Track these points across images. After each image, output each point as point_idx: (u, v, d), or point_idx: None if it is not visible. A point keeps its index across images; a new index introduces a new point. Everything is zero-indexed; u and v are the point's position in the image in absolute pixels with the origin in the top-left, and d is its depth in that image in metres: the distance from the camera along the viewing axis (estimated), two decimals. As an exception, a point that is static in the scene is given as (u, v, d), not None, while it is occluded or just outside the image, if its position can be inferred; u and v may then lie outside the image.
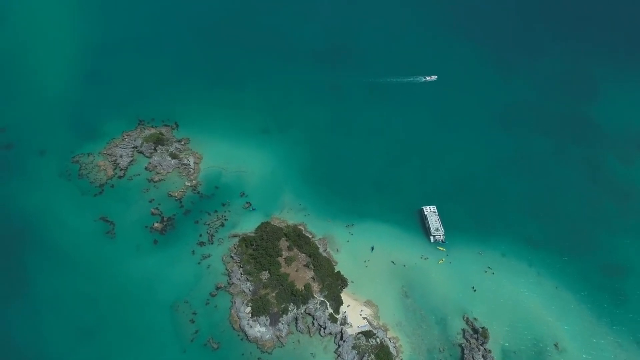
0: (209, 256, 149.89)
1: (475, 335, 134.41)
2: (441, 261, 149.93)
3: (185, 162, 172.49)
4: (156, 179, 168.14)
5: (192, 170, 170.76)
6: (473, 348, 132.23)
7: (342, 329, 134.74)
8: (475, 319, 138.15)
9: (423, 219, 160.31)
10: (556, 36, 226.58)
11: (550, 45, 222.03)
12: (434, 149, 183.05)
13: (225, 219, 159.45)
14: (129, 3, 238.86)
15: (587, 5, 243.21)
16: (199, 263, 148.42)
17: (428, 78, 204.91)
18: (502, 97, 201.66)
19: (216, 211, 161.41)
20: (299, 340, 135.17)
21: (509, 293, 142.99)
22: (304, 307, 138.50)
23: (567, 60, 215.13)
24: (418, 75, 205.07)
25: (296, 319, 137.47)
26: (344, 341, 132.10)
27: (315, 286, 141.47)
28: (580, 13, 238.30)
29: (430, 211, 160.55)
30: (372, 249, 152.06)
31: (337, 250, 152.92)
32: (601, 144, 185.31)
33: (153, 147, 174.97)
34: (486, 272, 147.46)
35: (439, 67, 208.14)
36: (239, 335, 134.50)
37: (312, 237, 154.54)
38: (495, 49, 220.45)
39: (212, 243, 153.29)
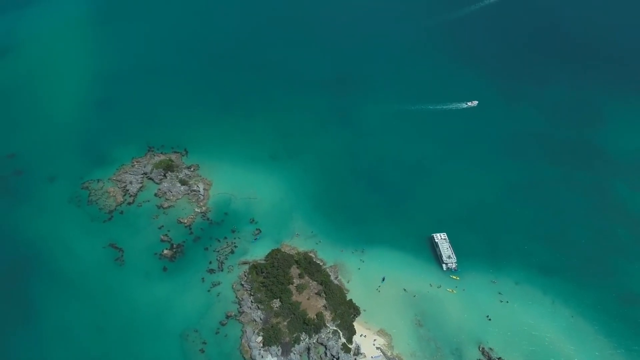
0: (219, 284, 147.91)
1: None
2: (453, 291, 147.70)
3: (195, 188, 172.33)
4: (166, 205, 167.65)
5: (201, 197, 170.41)
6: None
7: (355, 359, 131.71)
8: (491, 349, 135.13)
9: (434, 246, 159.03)
10: (561, 65, 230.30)
11: (555, 74, 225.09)
12: (442, 176, 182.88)
13: (235, 246, 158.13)
14: (139, 32, 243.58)
15: (590, 36, 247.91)
16: (208, 291, 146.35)
17: (470, 104, 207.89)
18: (510, 125, 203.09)
19: (226, 238, 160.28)
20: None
21: (525, 322, 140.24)
22: (316, 336, 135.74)
23: (572, 88, 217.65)
24: (459, 102, 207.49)
25: (308, 349, 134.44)
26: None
27: (328, 315, 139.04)
28: (584, 44, 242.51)
29: (441, 238, 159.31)
30: (384, 279, 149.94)
31: (349, 278, 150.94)
32: (609, 170, 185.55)
33: (163, 174, 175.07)
34: (501, 301, 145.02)
35: (448, 96, 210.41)
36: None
37: (323, 265, 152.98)
38: (501, 78, 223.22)
39: (222, 270, 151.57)
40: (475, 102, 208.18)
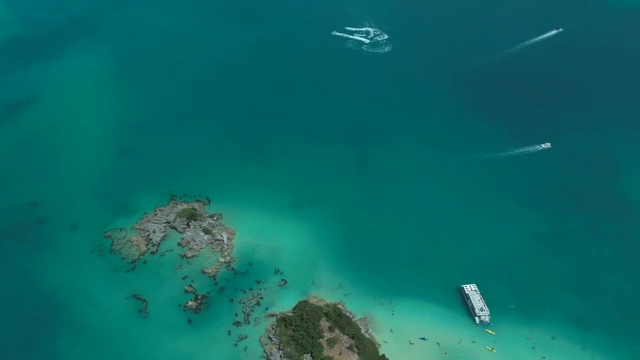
0: (245, 337, 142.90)
1: None
2: (492, 350, 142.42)
3: (219, 237, 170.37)
4: (189, 254, 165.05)
5: (225, 246, 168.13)
6: None
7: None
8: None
9: (464, 298, 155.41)
10: (573, 113, 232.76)
11: (567, 122, 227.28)
12: (467, 225, 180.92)
13: (260, 297, 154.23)
14: (161, 83, 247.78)
15: (600, 83, 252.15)
16: (235, 345, 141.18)
17: (543, 146, 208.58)
18: (528, 174, 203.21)
19: (251, 289, 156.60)
20: None
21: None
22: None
23: (586, 137, 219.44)
24: (533, 144, 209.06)
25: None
26: None
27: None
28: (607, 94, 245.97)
29: (471, 290, 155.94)
30: (424, 339, 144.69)
31: (380, 332, 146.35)
32: (634, 220, 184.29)
33: (186, 222, 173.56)
34: (543, 359, 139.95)
35: (470, 145, 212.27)
36: None
37: (352, 317, 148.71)
38: (512, 126, 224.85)
39: (249, 323, 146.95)
40: (548, 144, 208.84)
